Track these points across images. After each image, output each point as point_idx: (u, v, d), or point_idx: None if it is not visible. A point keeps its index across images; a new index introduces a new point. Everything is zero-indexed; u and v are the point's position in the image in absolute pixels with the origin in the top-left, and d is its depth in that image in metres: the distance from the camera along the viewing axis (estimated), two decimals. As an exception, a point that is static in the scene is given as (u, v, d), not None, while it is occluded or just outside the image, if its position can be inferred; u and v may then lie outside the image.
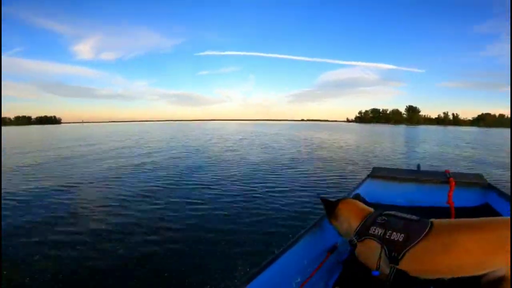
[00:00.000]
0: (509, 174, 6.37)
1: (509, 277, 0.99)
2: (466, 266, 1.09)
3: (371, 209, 1.39)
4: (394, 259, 1.15)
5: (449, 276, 1.13)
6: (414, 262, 1.15)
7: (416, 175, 2.60)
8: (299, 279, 1.44)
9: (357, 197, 1.65)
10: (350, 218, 1.36)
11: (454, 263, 1.10)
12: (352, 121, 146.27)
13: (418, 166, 2.76)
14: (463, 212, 1.92)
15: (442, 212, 2.05)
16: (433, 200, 2.29)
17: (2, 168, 7.46)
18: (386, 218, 1.24)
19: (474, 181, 2.48)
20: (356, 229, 1.30)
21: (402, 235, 1.15)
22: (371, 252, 1.23)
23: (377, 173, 2.66)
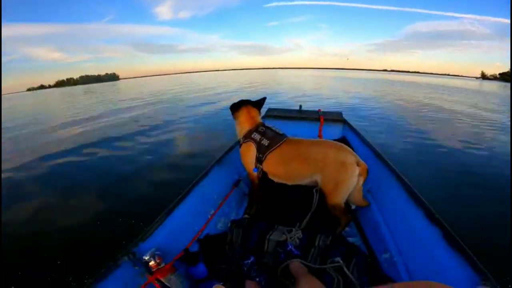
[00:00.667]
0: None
1: (322, 180, 1.47)
2: (297, 173, 1.54)
3: (260, 121, 1.75)
4: (260, 160, 1.60)
5: (290, 182, 1.60)
6: (269, 164, 1.59)
7: (299, 113, 3.15)
8: (212, 211, 1.71)
9: (258, 103, 1.82)
10: (243, 124, 1.72)
11: (290, 169, 1.55)
12: (490, 78, 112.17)
13: (300, 106, 3.31)
14: None
15: None
16: (309, 133, 2.79)
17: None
18: (264, 129, 1.66)
19: (335, 118, 3.03)
20: (244, 133, 1.68)
21: (268, 141, 1.58)
22: (248, 153, 1.65)
23: (271, 113, 3.21)
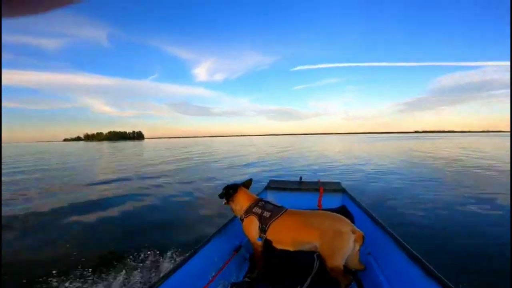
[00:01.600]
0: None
1: (320, 247, 1.59)
2: (298, 240, 1.69)
3: (257, 197, 1.99)
4: (263, 230, 1.78)
5: (293, 249, 1.72)
6: (272, 233, 1.76)
7: (298, 185, 3.27)
8: (213, 274, 1.74)
9: (247, 184, 2.10)
10: (243, 202, 1.95)
11: (291, 237, 1.71)
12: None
13: (300, 178, 3.44)
14: None
15: None
16: (309, 204, 2.88)
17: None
18: (263, 203, 1.89)
19: (334, 188, 3.15)
20: (245, 209, 1.90)
21: (269, 213, 1.79)
22: (252, 225, 1.83)
23: (272, 185, 3.32)
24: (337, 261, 1.55)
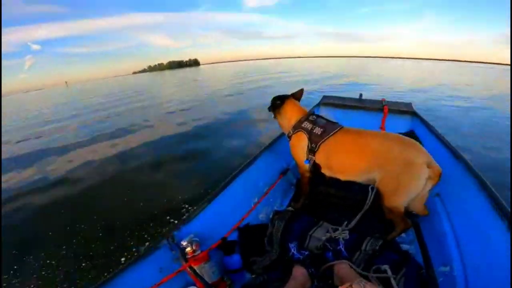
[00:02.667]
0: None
1: (381, 180, 1.27)
2: (353, 167, 1.36)
3: (307, 110, 1.65)
4: (312, 151, 1.47)
5: (344, 178, 1.42)
6: (322, 156, 1.45)
7: (358, 102, 2.85)
8: (256, 199, 1.67)
9: (297, 95, 1.74)
10: (291, 116, 1.62)
11: (345, 162, 1.39)
12: None
13: (360, 95, 3.00)
14: None
15: None
16: (369, 125, 2.31)
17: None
18: (315, 117, 1.55)
19: (403, 109, 2.67)
20: (293, 124, 1.59)
21: (321, 129, 1.45)
22: (300, 143, 1.53)
23: (327, 101, 2.95)
24: (399, 200, 1.25)
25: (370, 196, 1.35)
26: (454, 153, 1.69)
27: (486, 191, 1.24)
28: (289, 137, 1.62)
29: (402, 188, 1.22)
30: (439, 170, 1.21)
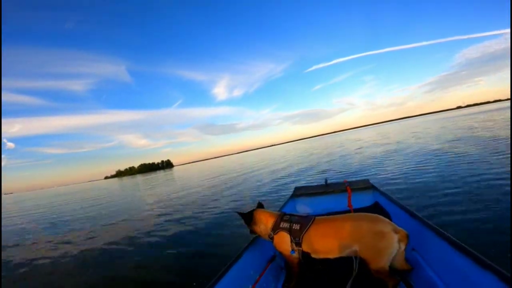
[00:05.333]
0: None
1: (361, 251, 1.51)
2: (335, 247, 1.60)
3: (278, 213, 1.94)
4: (298, 243, 1.71)
5: (332, 256, 1.64)
6: (307, 245, 1.69)
7: (324, 188, 3.18)
8: (249, 286, 1.73)
9: (260, 205, 2.09)
10: (266, 221, 1.90)
11: (328, 245, 1.63)
12: None
13: (326, 180, 3.35)
14: (360, 212, 2.13)
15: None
16: (338, 206, 2.85)
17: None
18: (289, 216, 1.84)
19: (363, 186, 3.03)
20: (271, 227, 1.84)
21: (298, 225, 1.73)
22: (283, 240, 1.77)
23: (298, 192, 3.28)
24: (381, 263, 1.48)
25: (355, 264, 1.58)
26: (413, 215, 2.02)
27: (447, 239, 1.53)
28: (271, 238, 1.85)
29: (381, 254, 1.48)
30: (406, 233, 1.51)
